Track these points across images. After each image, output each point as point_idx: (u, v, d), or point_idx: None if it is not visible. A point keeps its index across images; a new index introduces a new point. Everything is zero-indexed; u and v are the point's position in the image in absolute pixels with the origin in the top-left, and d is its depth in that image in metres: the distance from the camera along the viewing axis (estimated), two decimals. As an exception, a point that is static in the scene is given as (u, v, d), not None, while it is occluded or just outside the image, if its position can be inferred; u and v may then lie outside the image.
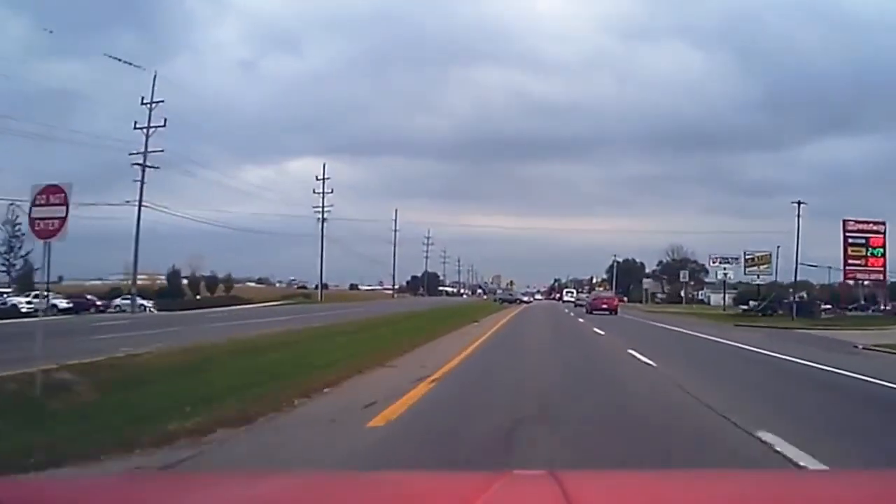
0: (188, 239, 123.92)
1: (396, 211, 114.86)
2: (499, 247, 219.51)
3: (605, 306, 60.76)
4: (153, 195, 64.85)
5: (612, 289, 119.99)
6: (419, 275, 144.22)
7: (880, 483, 2.77)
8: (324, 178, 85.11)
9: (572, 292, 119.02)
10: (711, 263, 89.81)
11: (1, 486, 2.71)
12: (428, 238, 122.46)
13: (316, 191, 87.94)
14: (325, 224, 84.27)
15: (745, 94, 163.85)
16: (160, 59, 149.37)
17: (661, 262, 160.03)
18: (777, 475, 4.28)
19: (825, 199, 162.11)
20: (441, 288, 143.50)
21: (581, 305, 75.23)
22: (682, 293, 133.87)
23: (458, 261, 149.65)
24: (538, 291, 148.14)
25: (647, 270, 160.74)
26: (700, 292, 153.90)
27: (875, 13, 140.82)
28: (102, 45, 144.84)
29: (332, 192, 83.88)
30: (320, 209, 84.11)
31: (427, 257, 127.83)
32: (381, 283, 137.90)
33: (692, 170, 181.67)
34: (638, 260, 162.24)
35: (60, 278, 71.79)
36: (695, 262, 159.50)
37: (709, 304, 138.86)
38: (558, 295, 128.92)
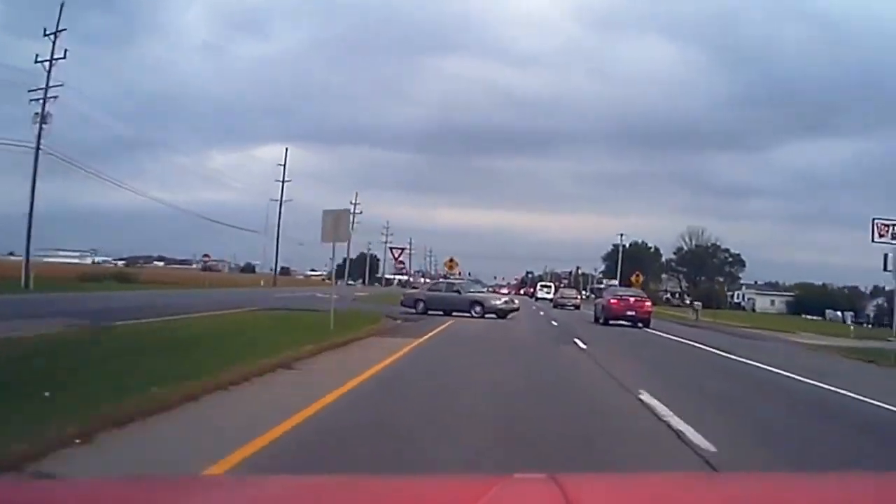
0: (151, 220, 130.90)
1: (356, 194, 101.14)
2: (468, 240, 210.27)
3: (631, 313, 35.63)
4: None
5: (617, 282, 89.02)
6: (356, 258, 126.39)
7: (879, 486, 2.77)
8: (284, 163, 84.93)
9: (548, 287, 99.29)
10: (879, 236, 48.93)
11: (2, 486, 2.85)
12: (387, 227, 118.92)
13: (276, 179, 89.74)
14: (281, 210, 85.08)
15: (720, 92, 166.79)
16: (128, 41, 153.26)
17: (679, 250, 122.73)
18: (778, 477, 4.09)
19: (799, 202, 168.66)
20: (390, 276, 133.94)
21: (563, 306, 59.56)
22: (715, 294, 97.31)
23: (410, 244, 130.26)
24: (507, 285, 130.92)
25: (665, 258, 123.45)
26: (735, 294, 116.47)
27: (858, 16, 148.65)
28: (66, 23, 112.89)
29: (290, 181, 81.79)
30: (279, 196, 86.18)
31: (387, 246, 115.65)
32: (313, 270, 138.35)
33: (664, 168, 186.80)
34: (651, 244, 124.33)
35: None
36: (726, 250, 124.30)
37: (753, 310, 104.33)
38: (531, 290, 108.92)
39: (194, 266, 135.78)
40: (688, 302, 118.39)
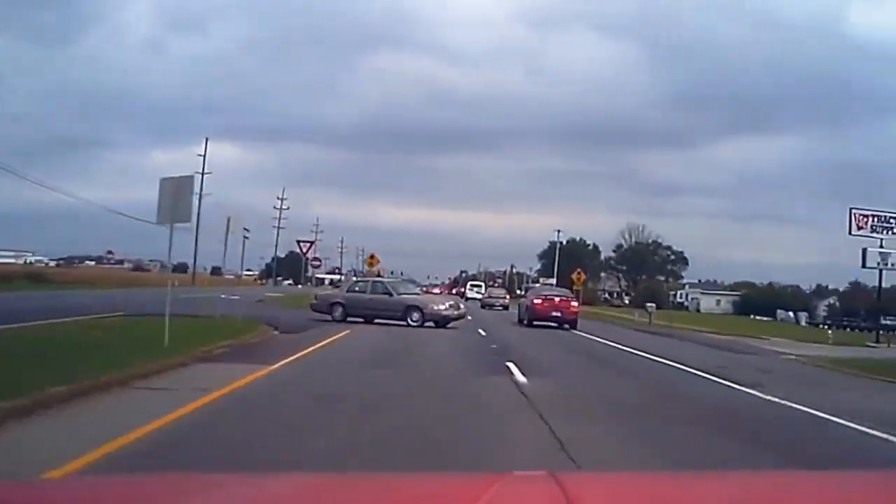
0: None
1: (283, 189, 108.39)
2: (406, 239, 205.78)
3: (557, 314, 33.00)
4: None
5: (555, 281, 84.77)
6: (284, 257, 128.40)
7: (881, 484, 2.78)
8: (204, 155, 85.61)
9: (479, 287, 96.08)
10: (857, 229, 42.39)
11: (1, 487, 2.65)
12: (317, 225, 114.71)
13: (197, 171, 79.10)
14: (201, 204, 79.31)
15: (659, 90, 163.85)
16: (66, 38, 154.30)
17: (618, 248, 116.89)
18: (778, 476, 4.07)
19: (737, 200, 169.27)
20: (322, 276, 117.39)
21: (492, 306, 56.32)
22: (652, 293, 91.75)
23: (342, 243, 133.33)
24: (441, 284, 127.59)
25: (604, 256, 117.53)
26: (678, 294, 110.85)
27: (795, 13, 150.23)
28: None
29: (210, 173, 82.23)
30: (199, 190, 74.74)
31: (315, 245, 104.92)
32: (249, 270, 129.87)
33: (602, 166, 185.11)
34: (589, 241, 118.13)
35: None
36: (668, 247, 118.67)
37: (698, 310, 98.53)
38: (462, 290, 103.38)
39: (126, 266, 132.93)
40: (627, 301, 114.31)
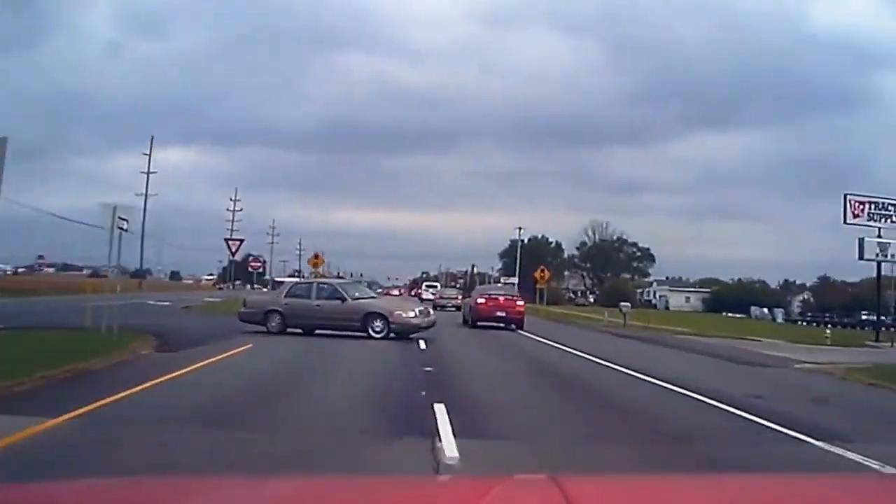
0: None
1: (236, 190, 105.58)
2: (366, 241, 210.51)
3: (501, 314, 31.92)
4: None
5: (517, 280, 79.89)
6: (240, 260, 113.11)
7: (880, 488, 2.81)
8: (150, 154, 79.79)
9: (434, 287, 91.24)
10: (853, 217, 37.16)
11: (1, 490, 2.67)
12: (273, 227, 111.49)
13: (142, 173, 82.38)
14: (146, 205, 76.49)
15: (616, 86, 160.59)
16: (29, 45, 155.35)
17: (582, 245, 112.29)
18: (781, 479, 3.68)
19: (700, 197, 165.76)
20: (280, 279, 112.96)
21: (444, 307, 50.53)
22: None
23: (300, 246, 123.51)
24: (402, 286, 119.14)
25: (568, 254, 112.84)
26: (645, 291, 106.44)
27: (756, 9, 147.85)
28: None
29: (156, 172, 79.86)
30: (144, 193, 79.50)
31: (272, 248, 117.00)
32: (211, 274, 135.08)
33: (560, 164, 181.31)
34: (552, 239, 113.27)
35: None
36: (634, 244, 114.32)
37: (667, 308, 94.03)
38: (419, 291, 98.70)
39: (84, 272, 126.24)
40: (592, 300, 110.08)
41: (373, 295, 25.73)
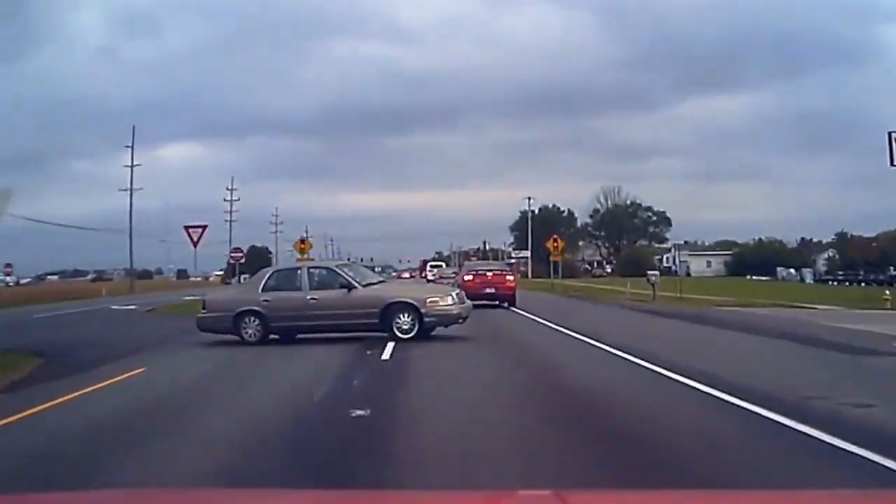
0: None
1: (233, 179, 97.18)
2: (375, 224, 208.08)
3: (490, 291, 30.17)
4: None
5: (529, 253, 79.47)
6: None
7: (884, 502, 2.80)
8: (132, 145, 72.08)
9: (440, 266, 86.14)
10: None
11: (3, 501, 2.77)
12: (276, 216, 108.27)
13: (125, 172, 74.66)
14: (132, 200, 72.58)
15: (613, 53, 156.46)
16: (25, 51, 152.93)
17: (595, 213, 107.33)
18: (786, 495, 3.76)
19: (703, 159, 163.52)
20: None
21: None
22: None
23: (306, 232, 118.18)
24: (412, 269, 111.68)
25: (581, 223, 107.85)
26: (664, 258, 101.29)
27: None
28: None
29: (140, 165, 73.32)
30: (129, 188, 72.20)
31: (276, 237, 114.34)
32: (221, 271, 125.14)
33: (564, 135, 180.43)
34: (563, 208, 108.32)
35: None
36: (649, 208, 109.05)
37: (688, 274, 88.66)
38: (425, 272, 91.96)
39: (88, 278, 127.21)
40: (609, 270, 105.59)
41: (382, 279, 20.35)
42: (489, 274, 31.48)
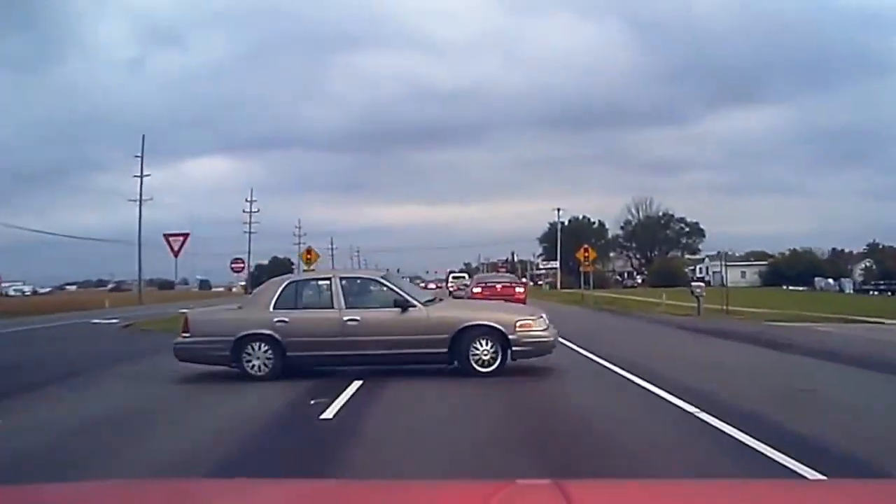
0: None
1: (252, 190, 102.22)
2: (401, 236, 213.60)
3: None
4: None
5: (558, 264, 70.82)
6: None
7: (885, 493, 2.69)
8: (142, 155, 68.74)
9: (461, 277, 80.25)
10: None
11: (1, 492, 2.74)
12: (299, 227, 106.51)
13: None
14: (141, 211, 67.70)
15: (641, 67, 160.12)
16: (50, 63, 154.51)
17: (626, 223, 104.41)
18: (784, 484, 3.92)
19: (732, 172, 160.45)
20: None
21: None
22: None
23: (331, 244, 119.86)
24: (436, 280, 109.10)
25: (611, 234, 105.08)
26: (696, 269, 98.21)
27: None
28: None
29: (150, 175, 71.37)
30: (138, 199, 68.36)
31: (299, 247, 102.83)
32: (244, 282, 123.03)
33: (592, 149, 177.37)
34: (594, 219, 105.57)
35: None
36: (681, 219, 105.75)
37: (723, 285, 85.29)
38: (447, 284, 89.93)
39: (108, 287, 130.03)
40: (640, 281, 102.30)
41: (435, 297, 15.54)
42: (498, 286, 31.42)
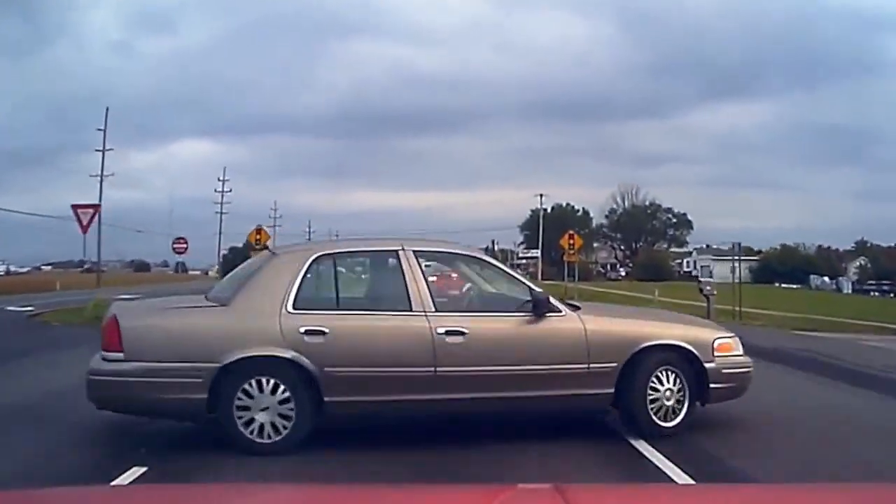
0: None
1: (225, 169, 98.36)
2: (381, 223, 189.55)
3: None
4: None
5: (539, 254, 73.84)
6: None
7: (881, 498, 2.70)
8: (105, 129, 53.99)
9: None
10: None
11: (1, 497, 2.71)
12: (275, 209, 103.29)
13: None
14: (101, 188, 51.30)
15: (629, 60, 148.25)
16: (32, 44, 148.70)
17: (611, 213, 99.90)
18: (783, 489, 3.65)
19: (718, 167, 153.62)
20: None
21: None
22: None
23: (309, 227, 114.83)
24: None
25: (596, 223, 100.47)
26: (684, 262, 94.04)
27: None
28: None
29: (112, 149, 54.26)
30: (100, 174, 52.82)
31: (275, 231, 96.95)
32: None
33: (578, 139, 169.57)
34: (578, 206, 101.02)
35: None
36: (668, 209, 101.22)
37: (710, 276, 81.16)
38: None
39: (84, 268, 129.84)
40: (624, 273, 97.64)
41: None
42: (454, 276, 25.06)
